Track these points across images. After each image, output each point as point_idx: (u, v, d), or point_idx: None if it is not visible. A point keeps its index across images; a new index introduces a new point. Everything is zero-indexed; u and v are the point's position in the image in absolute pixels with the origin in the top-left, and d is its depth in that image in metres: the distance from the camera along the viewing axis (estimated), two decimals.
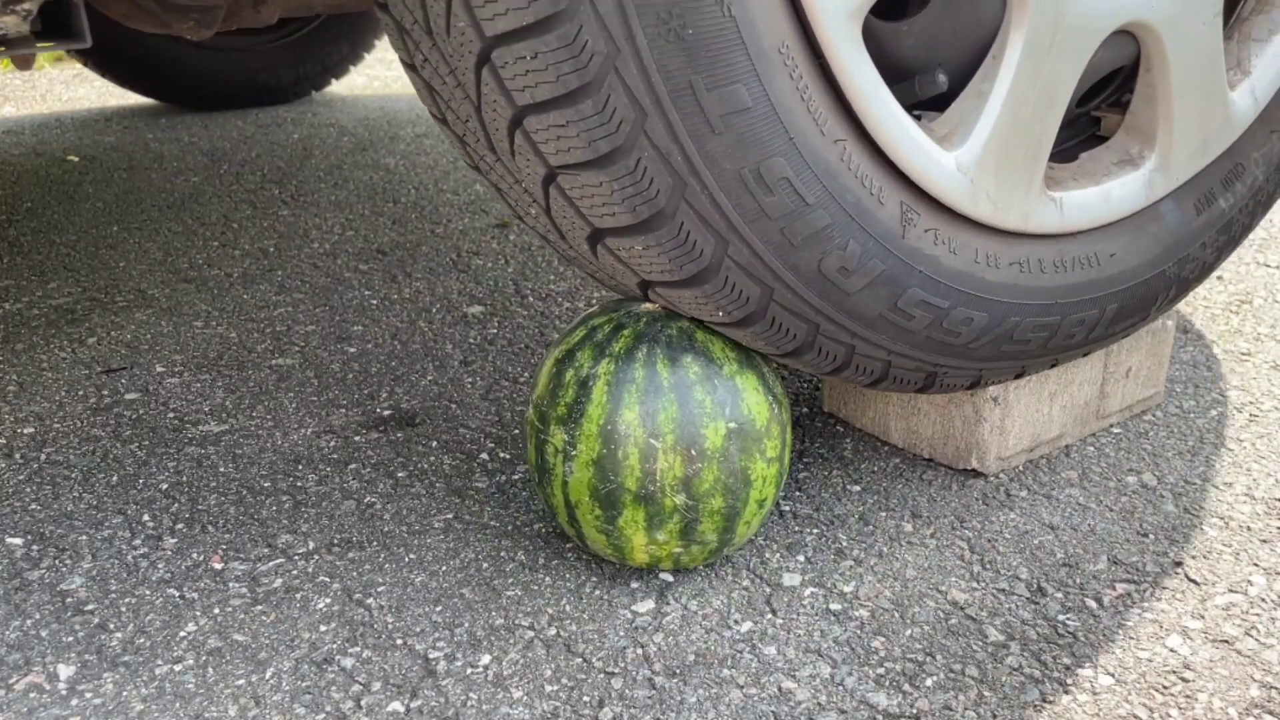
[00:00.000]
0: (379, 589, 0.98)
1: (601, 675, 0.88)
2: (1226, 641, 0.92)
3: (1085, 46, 0.93)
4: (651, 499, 0.89)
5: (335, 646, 0.91)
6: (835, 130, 0.84)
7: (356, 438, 1.24)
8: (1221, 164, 1.10)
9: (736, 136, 0.79)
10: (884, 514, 1.10)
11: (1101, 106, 1.13)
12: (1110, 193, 1.04)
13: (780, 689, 0.87)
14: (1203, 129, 1.06)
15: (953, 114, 0.94)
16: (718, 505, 0.90)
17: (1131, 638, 0.93)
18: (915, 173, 0.89)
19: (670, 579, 1.00)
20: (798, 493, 1.13)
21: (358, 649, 0.91)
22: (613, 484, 0.89)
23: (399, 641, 0.92)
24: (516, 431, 1.26)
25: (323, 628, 0.93)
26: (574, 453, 0.90)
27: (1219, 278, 1.66)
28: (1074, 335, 1.07)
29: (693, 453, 0.88)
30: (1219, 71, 1.03)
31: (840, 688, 0.87)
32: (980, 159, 0.93)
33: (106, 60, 2.85)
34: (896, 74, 0.95)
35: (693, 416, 0.89)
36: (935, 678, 0.88)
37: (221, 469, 1.18)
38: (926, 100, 0.97)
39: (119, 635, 0.92)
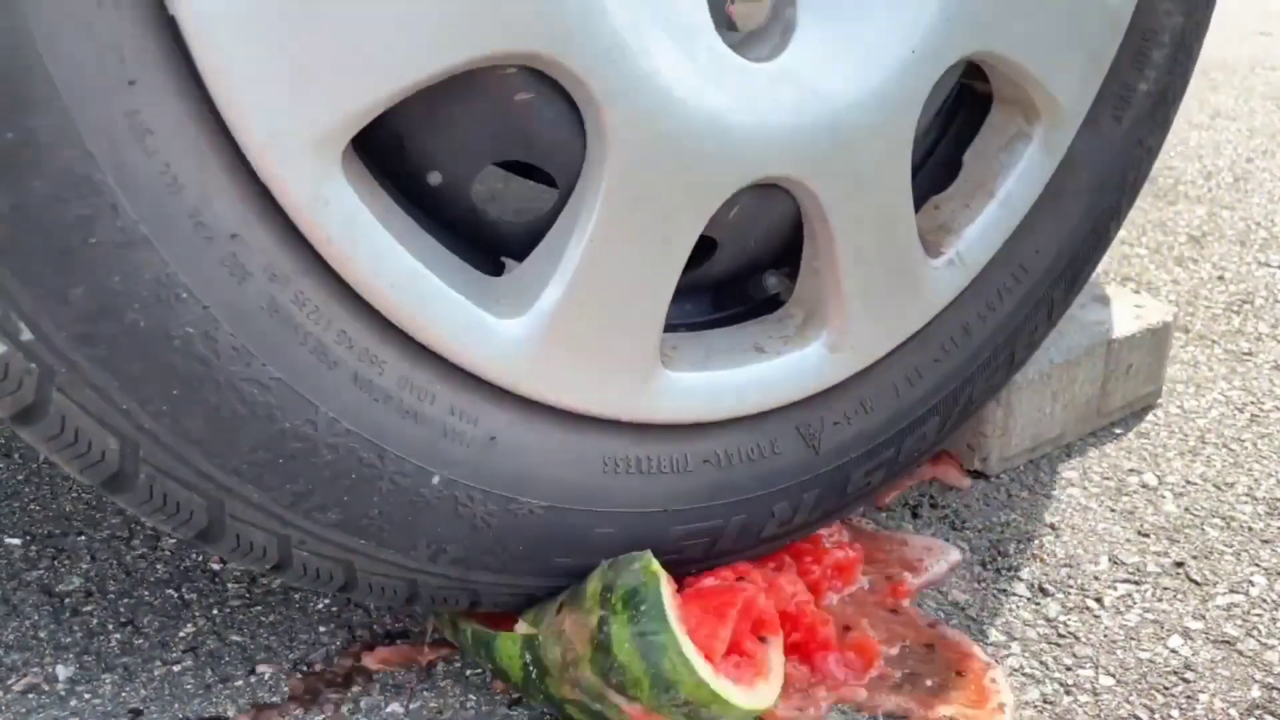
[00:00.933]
0: None
1: None
2: (1228, 642, 0.92)
3: (904, 159, 0.84)
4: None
5: (334, 648, 0.91)
6: None
7: None
8: (1123, 52, 0.94)
9: None
10: (884, 514, 1.10)
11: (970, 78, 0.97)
12: (1009, 192, 0.93)
13: None
14: (1084, 49, 0.91)
15: (796, 310, 0.89)
16: None
17: (1132, 638, 0.93)
18: (792, 398, 0.88)
19: None
20: None
21: (356, 649, 0.91)
22: None
23: (398, 643, 0.92)
24: None
25: (321, 629, 0.93)
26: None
27: (1220, 278, 1.65)
28: (1024, 354, 1.03)
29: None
30: None
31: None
32: (859, 334, 0.88)
33: None
34: (731, 282, 0.92)
35: None
36: (935, 678, 0.88)
37: None
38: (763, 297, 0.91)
39: (117, 636, 0.92)
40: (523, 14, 0.65)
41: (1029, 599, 0.97)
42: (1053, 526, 1.07)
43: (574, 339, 0.76)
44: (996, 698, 0.86)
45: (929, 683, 0.87)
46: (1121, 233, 1.83)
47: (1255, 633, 0.93)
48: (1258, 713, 0.85)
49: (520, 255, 0.78)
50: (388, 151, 0.74)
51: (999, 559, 1.03)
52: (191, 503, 0.68)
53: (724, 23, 0.75)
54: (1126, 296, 1.30)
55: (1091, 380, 1.20)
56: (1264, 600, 0.97)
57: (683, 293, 0.84)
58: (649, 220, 0.75)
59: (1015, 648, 0.91)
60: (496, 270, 0.79)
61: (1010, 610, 0.96)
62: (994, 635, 0.93)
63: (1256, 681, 0.88)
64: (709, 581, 0.86)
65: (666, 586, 0.78)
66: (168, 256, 0.61)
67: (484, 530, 0.77)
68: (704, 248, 0.83)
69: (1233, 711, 0.85)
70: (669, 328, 0.84)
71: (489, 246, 0.80)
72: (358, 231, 0.67)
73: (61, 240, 0.59)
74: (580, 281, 0.74)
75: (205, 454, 0.67)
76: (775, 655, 0.83)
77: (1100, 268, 1.69)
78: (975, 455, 1.14)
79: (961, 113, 0.98)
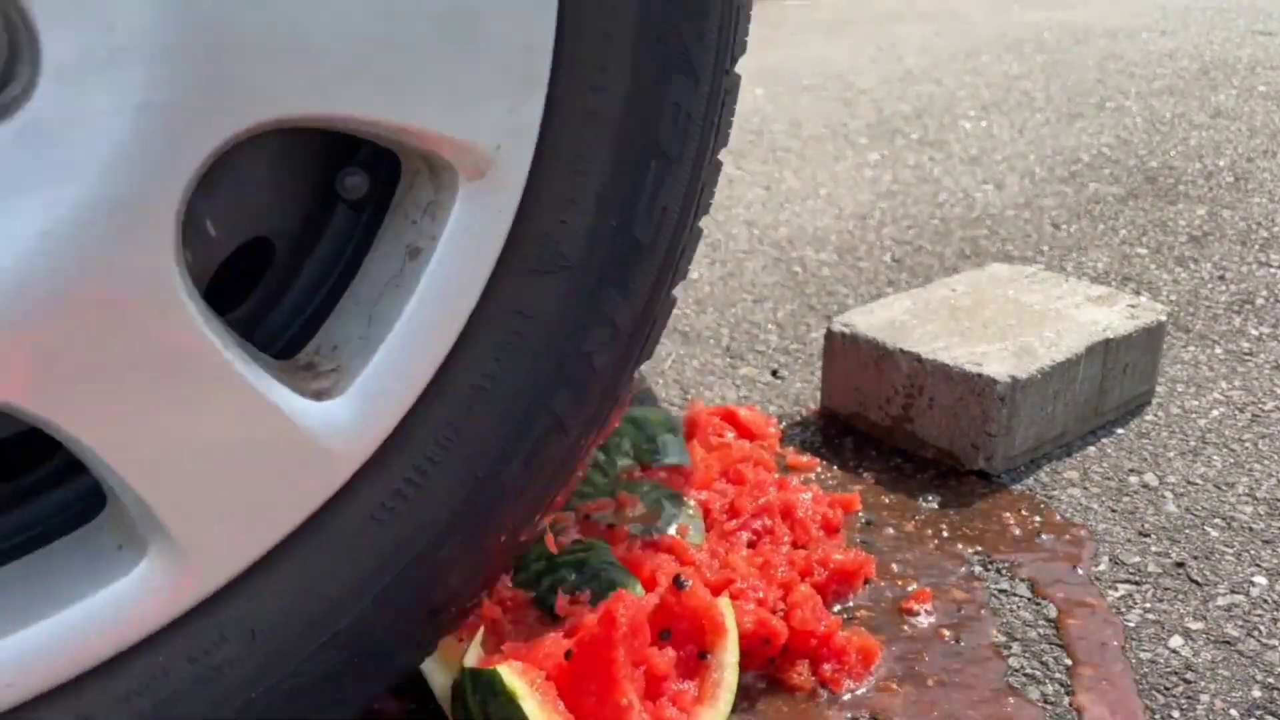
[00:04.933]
0: None
1: None
2: (1228, 642, 0.92)
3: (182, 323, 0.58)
4: None
5: None
6: None
7: None
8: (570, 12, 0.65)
9: None
10: (885, 513, 1.09)
11: None
12: (431, 284, 0.65)
13: None
14: (496, 49, 0.62)
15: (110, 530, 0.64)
16: None
17: (1133, 638, 0.93)
18: None
19: None
20: None
21: None
22: None
23: None
24: None
25: None
26: None
27: (1220, 278, 1.65)
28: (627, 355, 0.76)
29: None
30: None
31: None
32: (215, 558, 0.64)
33: None
34: None
35: None
36: (936, 677, 0.88)
37: None
38: None
39: None
40: None
41: (1029, 598, 0.97)
42: (1053, 526, 1.07)
43: None
44: None
45: (929, 682, 0.88)
46: (1122, 233, 1.83)
47: (1256, 633, 0.93)
48: (1258, 713, 0.85)
49: None
50: None
51: (999, 559, 1.03)
52: None
53: None
54: (1121, 297, 1.30)
55: (1090, 379, 1.20)
56: (1264, 600, 0.97)
57: None
58: None
59: (1015, 648, 0.91)
60: None
61: (1010, 610, 0.96)
62: (993, 635, 0.93)
63: (1257, 682, 0.88)
64: (588, 631, 0.78)
65: (533, 705, 0.73)
66: None
67: None
68: None
69: (1233, 712, 0.85)
70: None
71: None
72: None
73: None
74: None
75: None
76: (719, 669, 0.80)
77: (1100, 267, 1.69)
78: (979, 454, 1.14)
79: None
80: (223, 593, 0.65)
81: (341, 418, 0.64)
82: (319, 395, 0.63)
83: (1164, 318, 1.26)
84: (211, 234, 0.65)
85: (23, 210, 0.51)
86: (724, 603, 0.83)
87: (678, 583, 0.81)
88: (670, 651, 0.80)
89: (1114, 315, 1.25)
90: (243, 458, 0.61)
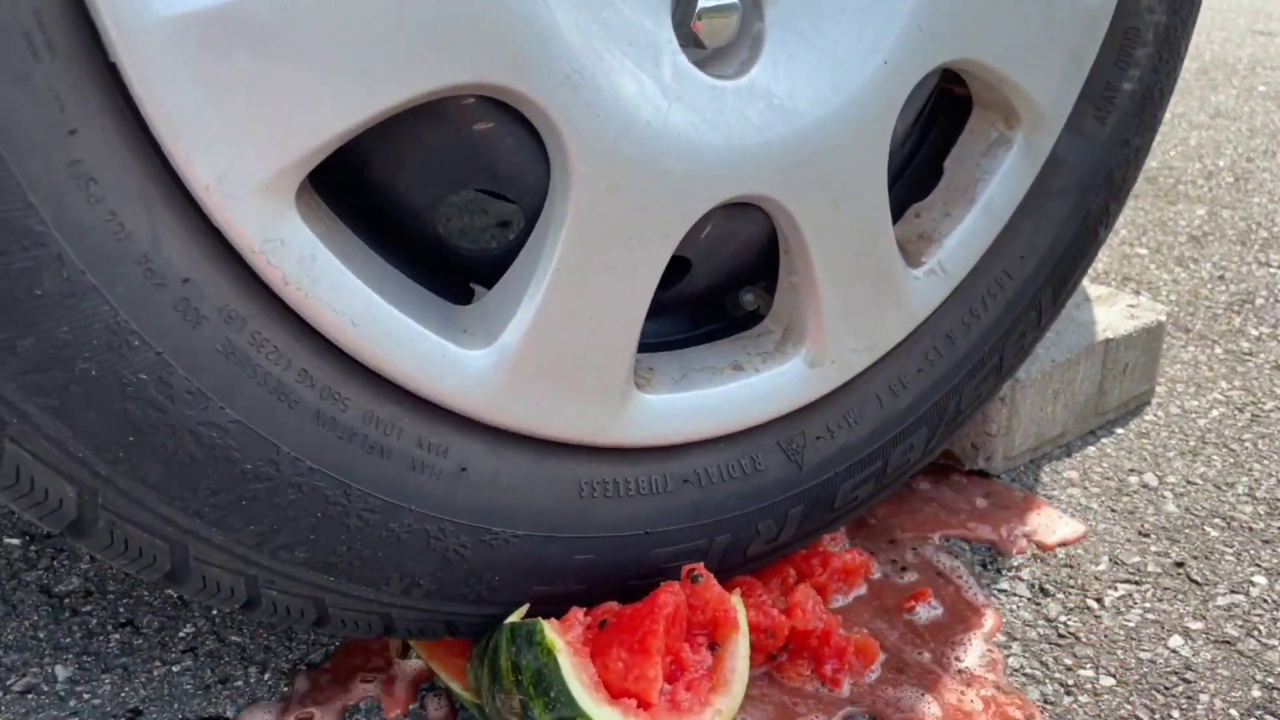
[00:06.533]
0: None
1: None
2: (1228, 642, 0.92)
3: (880, 170, 0.84)
4: None
5: (334, 647, 0.91)
6: None
7: None
8: (1105, 52, 0.92)
9: None
10: (884, 512, 1.09)
11: None
12: (991, 198, 0.91)
13: None
14: (1063, 52, 0.89)
15: (774, 326, 0.88)
16: None
17: (1133, 638, 0.92)
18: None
19: None
20: None
21: (355, 650, 0.91)
22: None
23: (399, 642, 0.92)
24: None
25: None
26: None
27: (1220, 278, 1.65)
28: (1013, 361, 1.01)
29: None
30: None
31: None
32: (839, 348, 0.87)
33: None
34: (707, 299, 0.90)
35: None
36: (935, 676, 0.88)
37: None
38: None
39: (116, 636, 0.92)
40: (476, 45, 0.63)
41: (1029, 598, 0.97)
42: (1053, 526, 1.07)
43: (543, 368, 0.74)
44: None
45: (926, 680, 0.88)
46: (1122, 233, 1.83)
47: (1256, 633, 0.93)
48: (1258, 713, 0.85)
49: (489, 282, 0.76)
50: (347, 183, 0.72)
51: (999, 559, 1.03)
52: (154, 547, 0.67)
53: (690, 40, 0.72)
54: (1121, 297, 1.30)
55: (1090, 379, 1.20)
56: (1264, 600, 0.97)
57: (658, 311, 0.82)
58: (617, 246, 0.73)
59: (1015, 648, 0.91)
60: (465, 297, 0.77)
61: (1010, 610, 0.96)
62: (994, 635, 0.93)
63: (1257, 682, 0.88)
64: (630, 607, 0.81)
65: (568, 661, 0.75)
66: (117, 304, 0.60)
67: (457, 562, 0.76)
68: (677, 267, 0.82)
69: (1233, 712, 0.85)
70: (645, 347, 0.82)
71: (457, 273, 0.78)
72: (315, 270, 0.65)
73: (6, 292, 0.58)
74: (547, 310, 0.72)
75: (165, 498, 0.66)
76: (732, 659, 0.81)
77: (1100, 267, 1.69)
78: (979, 454, 1.14)
79: (941, 118, 0.96)
80: (844, 385, 0.90)
81: (924, 283, 0.89)
82: (918, 266, 0.90)
83: (1164, 318, 1.26)
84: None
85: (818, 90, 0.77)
86: (736, 599, 0.83)
87: (692, 577, 0.82)
88: (706, 655, 0.81)
89: (1114, 315, 1.25)
90: (874, 301, 0.87)
